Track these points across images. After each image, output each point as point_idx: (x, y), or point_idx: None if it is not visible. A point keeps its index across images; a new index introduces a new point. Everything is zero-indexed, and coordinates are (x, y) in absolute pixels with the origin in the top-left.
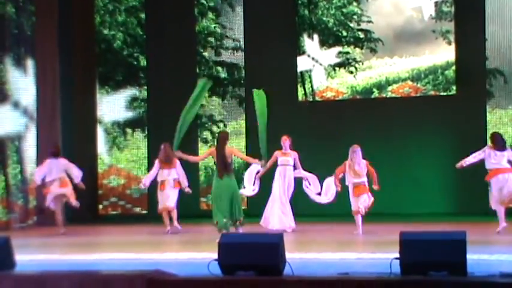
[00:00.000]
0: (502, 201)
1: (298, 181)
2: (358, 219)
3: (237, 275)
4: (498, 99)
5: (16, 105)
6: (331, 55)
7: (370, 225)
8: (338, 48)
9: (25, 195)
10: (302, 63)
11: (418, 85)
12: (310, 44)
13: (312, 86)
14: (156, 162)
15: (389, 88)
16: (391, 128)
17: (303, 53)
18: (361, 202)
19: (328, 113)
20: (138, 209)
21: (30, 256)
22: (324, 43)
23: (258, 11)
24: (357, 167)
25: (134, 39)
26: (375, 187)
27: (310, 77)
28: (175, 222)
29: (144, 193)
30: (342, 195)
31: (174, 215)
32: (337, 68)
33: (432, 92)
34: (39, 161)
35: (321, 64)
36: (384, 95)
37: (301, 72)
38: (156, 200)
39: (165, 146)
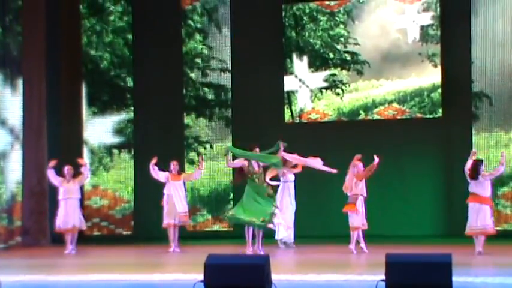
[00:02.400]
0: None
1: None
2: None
3: None
4: (484, 122)
5: (3, 123)
6: (318, 79)
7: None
8: (326, 73)
9: (9, 215)
10: (288, 83)
11: (404, 107)
12: (299, 64)
13: (296, 108)
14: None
15: (375, 110)
16: (378, 150)
17: (291, 73)
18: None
19: (315, 135)
20: (123, 230)
21: (15, 277)
22: (311, 65)
23: (245, 32)
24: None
25: (121, 60)
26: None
27: (296, 98)
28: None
29: (127, 214)
30: (328, 217)
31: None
32: (323, 90)
33: (418, 115)
34: (25, 181)
35: (307, 86)
36: (370, 118)
37: (287, 93)
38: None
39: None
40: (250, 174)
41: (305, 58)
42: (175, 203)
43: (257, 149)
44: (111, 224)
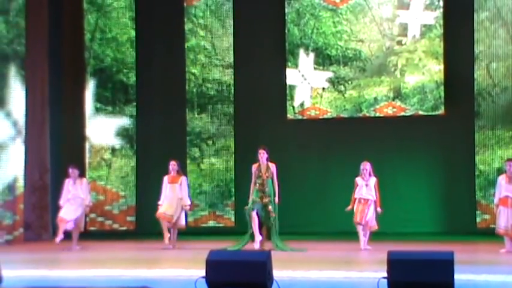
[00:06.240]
0: None
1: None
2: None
3: None
4: (486, 119)
5: (8, 115)
6: (321, 77)
7: (358, 244)
8: (329, 73)
9: (11, 210)
10: (290, 77)
11: (407, 105)
12: (304, 61)
13: (294, 104)
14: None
15: (376, 107)
16: (379, 147)
17: (294, 68)
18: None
19: (317, 131)
20: (125, 226)
21: (17, 272)
22: (314, 62)
23: (247, 28)
24: (367, 184)
25: (124, 55)
26: (378, 209)
27: (294, 93)
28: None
29: (129, 210)
30: (328, 214)
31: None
32: (325, 87)
33: (420, 112)
34: (27, 176)
35: (309, 83)
36: (371, 115)
37: (289, 87)
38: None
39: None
40: (256, 177)
41: (309, 55)
42: (165, 204)
43: (264, 152)
44: (112, 220)
